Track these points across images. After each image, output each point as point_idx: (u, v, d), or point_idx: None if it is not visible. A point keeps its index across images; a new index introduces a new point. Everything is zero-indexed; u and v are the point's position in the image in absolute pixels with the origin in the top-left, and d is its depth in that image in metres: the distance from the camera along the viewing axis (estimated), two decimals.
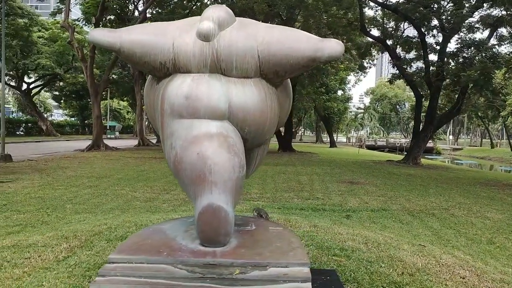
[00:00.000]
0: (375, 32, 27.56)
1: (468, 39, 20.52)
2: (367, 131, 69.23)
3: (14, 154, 17.60)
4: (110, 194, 8.80)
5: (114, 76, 37.78)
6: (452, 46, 42.88)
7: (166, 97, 2.79)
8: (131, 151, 23.30)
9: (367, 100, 78.77)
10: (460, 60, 20.65)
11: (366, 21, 24.39)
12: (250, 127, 2.80)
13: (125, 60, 2.99)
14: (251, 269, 2.30)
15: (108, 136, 44.23)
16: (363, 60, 35.33)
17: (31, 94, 40.41)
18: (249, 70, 2.79)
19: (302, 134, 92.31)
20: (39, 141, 31.68)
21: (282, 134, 28.74)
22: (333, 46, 2.70)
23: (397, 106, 75.66)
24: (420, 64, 24.27)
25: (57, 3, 26.52)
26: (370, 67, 38.57)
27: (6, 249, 3.95)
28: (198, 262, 2.32)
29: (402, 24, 24.53)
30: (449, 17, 20.00)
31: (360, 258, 4.12)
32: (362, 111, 69.80)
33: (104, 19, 25.91)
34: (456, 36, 21.08)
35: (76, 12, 32.74)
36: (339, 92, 46.00)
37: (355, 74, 46.90)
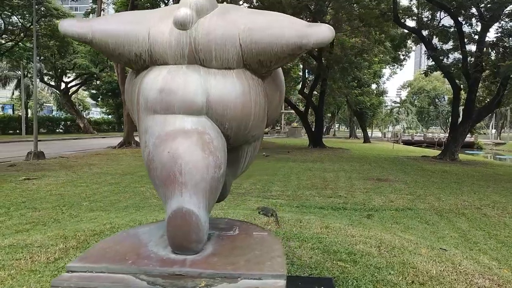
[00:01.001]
0: (409, 22, 26.61)
1: (509, 27, 19.34)
2: (403, 125, 67.11)
3: (51, 151, 18.21)
4: (129, 191, 8.81)
5: None
6: (491, 35, 40.65)
7: (141, 92, 2.60)
8: None
9: (404, 94, 76.48)
10: (500, 50, 19.51)
11: (400, 11, 23.46)
12: (231, 123, 2.57)
13: (100, 52, 2.83)
14: (219, 281, 2.07)
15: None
16: (399, 52, 34.24)
17: (69, 93, 41.74)
18: (230, 60, 2.55)
19: (338, 129, 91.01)
20: (76, 139, 32.66)
21: (312, 129, 28.27)
22: (320, 31, 2.43)
23: (436, 100, 72.97)
24: (457, 55, 23.12)
25: (90, 2, 27.19)
26: (405, 59, 37.35)
27: (1, 249, 3.91)
28: (163, 272, 2.12)
29: (439, 13, 23.48)
30: (488, 5, 18.90)
31: (368, 264, 3.81)
32: (398, 105, 67.74)
33: None
34: (496, 24, 19.92)
35: (111, 12, 33.45)
36: (373, 86, 44.82)
37: (390, 67, 45.57)
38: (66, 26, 2.61)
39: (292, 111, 41.55)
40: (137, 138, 24.76)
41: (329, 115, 66.08)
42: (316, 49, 28.46)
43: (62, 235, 4.43)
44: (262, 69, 2.63)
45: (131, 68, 2.84)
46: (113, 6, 28.08)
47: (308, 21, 2.64)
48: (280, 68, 3.03)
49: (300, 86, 35.06)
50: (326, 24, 2.51)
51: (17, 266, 3.42)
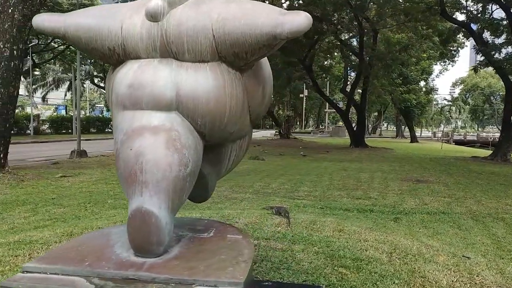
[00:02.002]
0: (458, 16, 25.28)
1: None
2: (455, 124, 63.95)
3: (96, 149, 18.95)
4: None
5: None
6: None
7: (113, 87, 2.55)
8: None
9: (457, 92, 72.90)
10: None
11: (448, 4, 22.34)
12: (204, 119, 2.44)
13: (74, 46, 2.80)
14: (172, 287, 1.96)
15: None
16: (449, 48, 32.70)
17: None
18: (204, 52, 2.43)
19: (386, 128, 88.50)
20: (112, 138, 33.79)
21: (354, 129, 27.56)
22: (295, 19, 2.24)
23: (491, 97, 68.98)
24: (510, 49, 21.66)
25: None
26: (456, 55, 35.61)
27: (6, 245, 4.02)
28: (116, 276, 2.03)
29: (490, 5, 22.09)
30: None
31: (373, 272, 3.55)
32: (450, 103, 64.63)
33: None
34: None
35: None
36: (421, 83, 43.07)
37: (441, 63, 43.60)
38: (39, 21, 2.59)
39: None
40: None
41: (376, 114, 64.32)
42: (358, 45, 27.74)
43: (69, 233, 4.50)
44: (240, 62, 2.49)
45: (107, 63, 2.80)
46: None
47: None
48: (265, 60, 2.87)
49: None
50: (304, 12, 2.32)
51: (13, 262, 3.48)
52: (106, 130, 43.28)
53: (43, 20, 2.57)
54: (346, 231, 4.87)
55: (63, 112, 44.44)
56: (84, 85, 46.84)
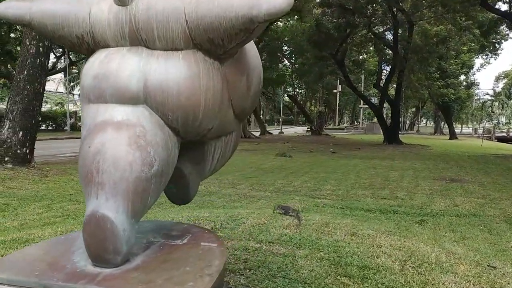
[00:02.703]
0: (501, 6, 23.93)
1: None
2: (497, 120, 60.89)
3: None
4: None
5: None
6: None
7: (80, 79, 2.35)
8: None
9: (501, 86, 69.36)
10: None
11: None
12: (175, 113, 2.20)
13: (42, 36, 2.62)
14: None
15: None
16: (492, 40, 31.16)
17: None
18: (176, 39, 2.18)
19: (424, 124, 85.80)
20: None
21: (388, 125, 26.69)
22: (272, 0, 1.97)
23: None
24: None
25: None
26: (498, 48, 33.90)
27: (1, 244, 3.94)
28: None
29: None
30: None
31: (380, 282, 3.21)
32: (492, 98, 61.59)
33: None
34: None
35: None
36: (462, 77, 41.23)
37: (483, 57, 41.66)
38: (2, 8, 2.42)
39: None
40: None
41: (413, 109, 62.33)
42: (392, 38, 26.75)
43: (69, 231, 4.40)
44: (217, 50, 2.22)
45: (80, 53, 2.61)
46: None
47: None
48: (251, 47, 2.59)
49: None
50: None
51: None
52: None
53: (8, 7, 2.40)
54: (360, 235, 4.52)
55: None
56: None
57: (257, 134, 35.33)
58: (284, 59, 42.67)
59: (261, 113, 68.78)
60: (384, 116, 32.29)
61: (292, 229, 4.65)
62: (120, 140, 2.03)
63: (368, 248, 4.06)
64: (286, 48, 40.67)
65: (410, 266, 3.63)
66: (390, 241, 4.39)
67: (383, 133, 27.31)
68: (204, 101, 2.22)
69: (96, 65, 2.24)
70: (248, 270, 3.26)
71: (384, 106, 38.35)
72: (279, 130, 44.81)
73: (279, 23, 38.74)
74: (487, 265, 3.93)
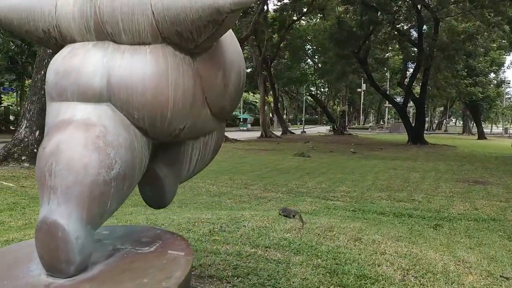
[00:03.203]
0: None
1: None
2: None
3: None
4: (186, 186, 8.71)
5: None
6: None
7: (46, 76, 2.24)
8: (249, 143, 23.66)
9: None
10: None
11: None
12: (141, 112, 2.06)
13: (11, 32, 2.51)
14: None
15: (241, 128, 46.31)
16: None
17: None
18: (143, 32, 2.05)
19: (454, 124, 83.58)
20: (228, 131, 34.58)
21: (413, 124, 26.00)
22: None
23: None
24: None
25: None
26: None
27: None
28: None
29: None
30: None
31: None
32: None
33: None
34: None
35: None
36: (491, 75, 39.83)
37: None
38: None
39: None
40: (227, 133, 25.19)
41: (441, 108, 60.72)
42: (417, 35, 26.03)
43: None
44: (188, 44, 2.08)
45: (48, 49, 2.50)
46: None
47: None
48: (230, 41, 2.42)
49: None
50: None
51: None
52: None
53: None
54: (364, 241, 4.29)
55: None
56: None
57: (279, 133, 35.10)
58: (307, 57, 42.27)
59: (285, 112, 68.47)
60: (411, 116, 31.52)
61: (293, 233, 4.47)
62: (76, 141, 1.90)
63: (371, 255, 3.83)
64: (309, 46, 40.30)
65: (412, 276, 3.39)
66: (396, 248, 4.15)
67: (407, 133, 26.63)
68: (172, 99, 2.07)
69: (59, 61, 2.13)
70: (236, 278, 3.10)
71: (410, 105, 37.47)
72: (302, 130, 44.45)
73: (302, 21, 38.45)
74: (500, 276, 3.64)
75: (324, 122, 69.47)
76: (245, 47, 34.78)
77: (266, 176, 10.92)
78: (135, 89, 2.02)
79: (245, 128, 47.52)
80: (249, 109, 62.55)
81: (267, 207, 6.82)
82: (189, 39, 2.04)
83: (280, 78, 38.44)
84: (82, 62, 2.06)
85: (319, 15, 34.41)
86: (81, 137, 1.91)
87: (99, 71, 2.04)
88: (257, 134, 33.65)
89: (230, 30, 2.48)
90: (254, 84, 42.01)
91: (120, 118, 2.07)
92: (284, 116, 66.06)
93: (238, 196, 7.90)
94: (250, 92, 57.78)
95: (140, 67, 2.02)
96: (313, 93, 49.59)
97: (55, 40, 2.25)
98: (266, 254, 3.69)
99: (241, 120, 50.76)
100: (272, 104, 42.69)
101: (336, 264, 3.53)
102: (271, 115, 50.98)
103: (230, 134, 30.64)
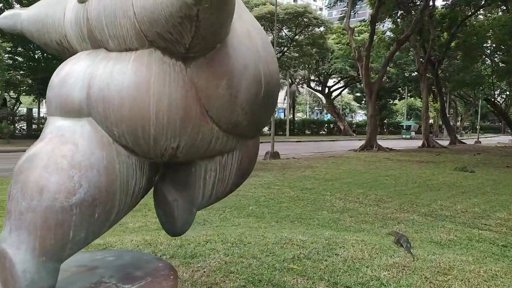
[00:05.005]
0: None
1: None
2: None
3: (295, 152, 19.67)
4: (310, 199, 8.26)
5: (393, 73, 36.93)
6: None
7: None
8: (404, 153, 21.69)
9: None
10: None
11: None
12: (120, 128, 1.76)
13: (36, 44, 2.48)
14: None
15: (403, 136, 43.22)
16: None
17: (331, 96, 44.15)
18: (127, 36, 1.77)
19: None
20: (330, 140, 34.21)
21: None
22: None
23: None
24: None
25: (344, 7, 27.77)
26: None
27: None
28: None
29: None
30: None
31: None
32: None
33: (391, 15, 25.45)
34: None
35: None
36: None
37: None
38: None
39: None
40: (380, 142, 23.69)
41: None
42: None
43: (145, 241, 4.36)
44: (176, 47, 1.72)
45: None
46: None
47: None
48: (241, 41, 1.93)
49: None
50: None
51: None
52: (321, 132, 44.68)
53: (1, 18, 2.36)
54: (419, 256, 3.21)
55: (282, 115, 48.20)
56: (301, 89, 49.60)
57: (447, 143, 31.46)
58: (484, 56, 37.00)
59: (459, 119, 61.46)
60: None
61: (393, 271, 3.62)
62: (37, 161, 1.70)
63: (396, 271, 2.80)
64: (488, 44, 35.20)
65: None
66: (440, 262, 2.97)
67: None
68: (154, 113, 1.71)
69: (54, 73, 2.00)
70: None
71: None
72: (476, 139, 39.08)
73: (479, 16, 33.83)
74: None
75: (509, 131, 59.94)
76: (410, 49, 32.34)
77: (409, 192, 9.65)
78: (112, 102, 1.73)
79: (408, 136, 44.09)
80: (415, 115, 58.07)
81: (386, 232, 5.89)
82: (173, 41, 1.67)
83: (450, 81, 34.58)
84: (67, 73, 1.89)
85: (502, 7, 29.82)
86: (43, 157, 1.70)
87: (79, 83, 1.82)
88: (420, 143, 30.83)
89: (248, 24, 2.01)
90: (418, 88, 38.80)
91: (100, 135, 1.81)
92: (458, 123, 59.32)
93: (363, 215, 7.07)
94: (416, 97, 53.73)
95: (119, 77, 1.73)
96: (492, 97, 43.15)
97: (68, 52, 2.13)
98: None
99: (404, 127, 47.33)
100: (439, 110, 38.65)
101: (345, 278, 2.66)
102: (440, 123, 46.27)
103: (387, 142, 28.75)
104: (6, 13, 2.38)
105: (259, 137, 2.36)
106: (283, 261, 3.81)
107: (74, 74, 1.85)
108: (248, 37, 1.96)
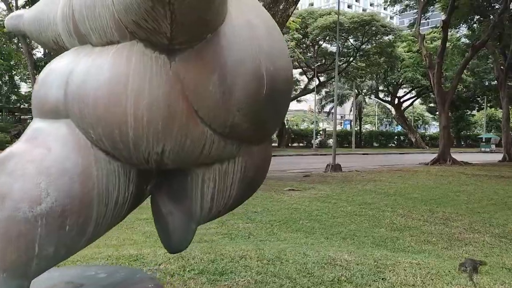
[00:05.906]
0: None
1: None
2: None
3: (359, 164, 18.93)
4: (367, 215, 7.68)
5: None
6: None
7: None
8: (482, 167, 19.88)
9: None
10: None
11: None
12: (96, 129, 1.57)
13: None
14: None
15: (482, 149, 40.03)
16: None
17: (401, 107, 42.08)
18: (107, 28, 1.60)
19: None
20: (400, 153, 32.51)
21: None
22: None
23: None
24: None
25: (414, 13, 26.49)
26: None
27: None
28: None
29: None
30: None
31: None
32: None
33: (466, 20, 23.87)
34: None
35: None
36: None
37: None
38: (6, 20, 2.36)
39: None
40: (455, 155, 22.03)
41: None
42: None
43: (179, 254, 4.15)
44: (158, 38, 1.51)
45: None
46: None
47: None
48: (239, 31, 1.66)
49: None
50: None
51: None
52: (390, 144, 42.75)
53: (7, 19, 2.31)
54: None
55: (348, 127, 46.87)
56: (369, 100, 47.84)
57: None
58: None
59: None
60: None
61: None
62: (5, 165, 1.55)
63: None
64: None
65: None
66: None
67: None
68: (133, 113, 1.50)
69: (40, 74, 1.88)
70: None
71: None
72: None
73: None
74: None
75: None
76: (489, 56, 29.97)
77: (482, 211, 8.68)
78: (87, 101, 1.54)
79: (487, 150, 40.69)
80: (495, 127, 53.65)
81: (451, 255, 5.22)
82: (151, 30, 1.45)
83: None
84: (49, 71, 1.74)
85: None
86: (11, 163, 1.54)
87: (57, 81, 1.66)
88: (500, 156, 28.28)
89: (250, 11, 1.74)
90: (498, 97, 35.84)
91: (77, 138, 1.62)
92: None
93: (426, 234, 6.40)
94: (497, 108, 49.74)
95: (95, 73, 1.54)
96: None
97: (64, 50, 2.01)
98: None
99: (483, 139, 43.82)
100: None
101: None
102: None
103: (463, 156, 26.64)
104: (12, 14, 2.35)
105: (269, 143, 2.06)
106: (320, 283, 3.42)
107: (53, 73, 1.71)
108: (247, 27, 1.68)
